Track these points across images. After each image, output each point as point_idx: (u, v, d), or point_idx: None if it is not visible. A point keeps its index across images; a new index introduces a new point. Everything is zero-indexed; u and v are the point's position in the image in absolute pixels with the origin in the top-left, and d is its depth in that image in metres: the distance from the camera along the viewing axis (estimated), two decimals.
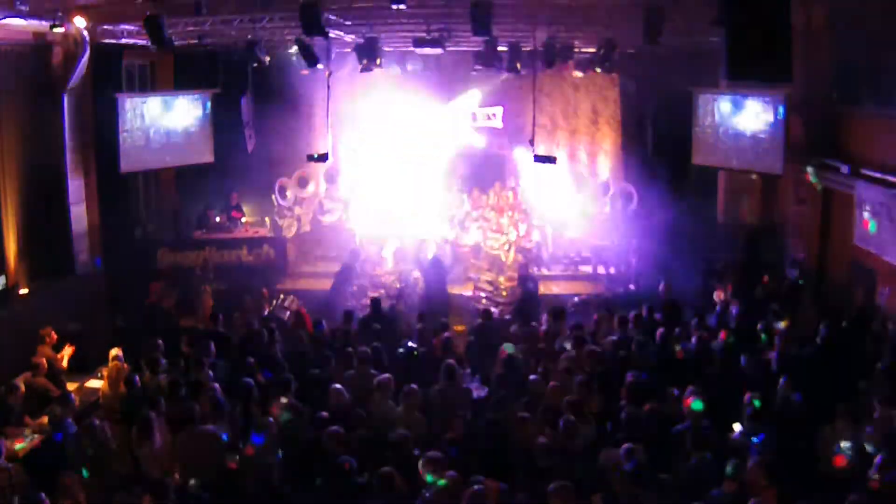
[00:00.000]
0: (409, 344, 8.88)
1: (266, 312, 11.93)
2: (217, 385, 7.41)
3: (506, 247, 14.40)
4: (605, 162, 15.81)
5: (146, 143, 12.79)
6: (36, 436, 7.52)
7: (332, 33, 10.85)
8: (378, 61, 11.89)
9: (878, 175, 9.34)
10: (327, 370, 8.04)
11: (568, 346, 8.64)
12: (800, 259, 11.68)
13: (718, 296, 11.05)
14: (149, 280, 11.68)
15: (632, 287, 13.57)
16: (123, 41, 11.55)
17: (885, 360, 7.59)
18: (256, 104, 14.26)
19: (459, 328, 11.80)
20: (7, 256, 10.05)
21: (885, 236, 9.14)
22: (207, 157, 13.92)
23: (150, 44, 9.80)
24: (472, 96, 15.86)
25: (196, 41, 11.81)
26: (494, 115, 16.05)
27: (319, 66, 11.77)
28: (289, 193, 14.82)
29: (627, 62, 14.24)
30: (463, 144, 16.30)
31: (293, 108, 15.32)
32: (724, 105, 12.79)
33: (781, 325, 9.13)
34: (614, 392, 7.31)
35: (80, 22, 10.03)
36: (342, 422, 6.63)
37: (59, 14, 9.58)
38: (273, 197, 14.71)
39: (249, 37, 11.36)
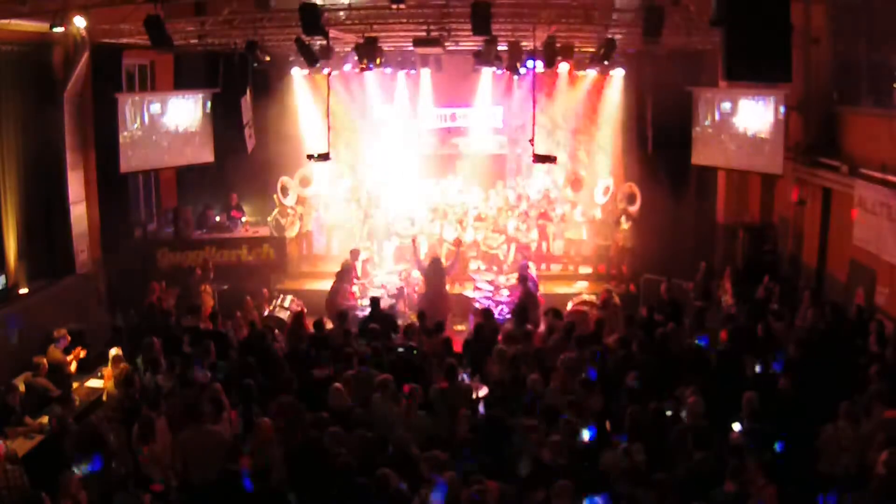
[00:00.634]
0: (410, 343, 8.88)
1: (266, 312, 11.96)
2: (217, 385, 7.40)
3: (505, 247, 14.41)
4: (605, 162, 15.81)
5: (146, 143, 12.80)
6: (36, 436, 7.53)
7: (332, 33, 10.85)
8: (378, 61, 11.90)
9: (877, 175, 9.34)
10: (327, 370, 8.04)
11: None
12: (799, 259, 11.69)
13: (718, 296, 11.06)
14: (149, 280, 11.68)
15: (632, 287, 13.58)
16: (123, 41, 11.55)
17: (885, 359, 7.60)
18: (256, 104, 14.26)
19: (459, 328, 11.82)
20: (7, 256, 10.05)
21: (885, 236, 9.14)
22: (207, 157, 13.92)
23: (150, 44, 9.80)
24: (473, 97, 15.86)
25: (196, 41, 11.81)
26: (494, 115, 16.05)
27: (319, 66, 11.78)
28: (290, 193, 14.82)
29: (627, 62, 14.26)
30: (463, 144, 16.30)
31: (293, 109, 15.33)
32: (724, 105, 12.79)
33: (781, 325, 9.14)
34: (614, 392, 7.31)
35: (80, 22, 10.02)
36: (342, 422, 6.63)
37: (59, 14, 9.57)
38: (275, 197, 14.71)
39: (249, 37, 11.36)
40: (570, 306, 12.22)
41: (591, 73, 14.77)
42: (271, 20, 10.89)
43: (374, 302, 10.50)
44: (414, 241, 13.02)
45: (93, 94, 11.67)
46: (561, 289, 13.94)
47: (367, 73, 13.95)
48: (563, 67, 13.99)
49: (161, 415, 6.92)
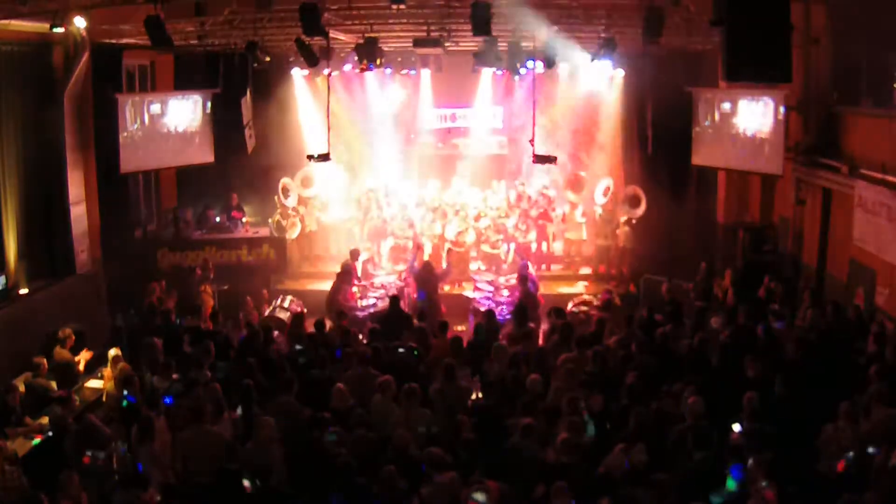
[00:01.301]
0: (410, 344, 8.88)
1: (266, 313, 11.96)
2: (217, 385, 7.40)
3: (505, 247, 14.40)
4: (605, 162, 15.80)
5: (146, 144, 12.80)
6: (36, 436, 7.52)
7: (332, 33, 10.86)
8: (378, 61, 11.90)
9: (877, 175, 9.34)
10: (327, 370, 8.04)
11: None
12: (799, 259, 11.68)
13: (718, 296, 11.05)
14: (149, 280, 11.68)
15: (632, 288, 13.57)
16: (123, 41, 11.55)
17: (885, 359, 7.59)
18: (256, 104, 14.25)
19: (459, 328, 11.81)
20: (7, 256, 10.05)
21: (885, 236, 9.14)
22: (207, 157, 13.92)
23: (150, 44, 9.80)
24: (473, 97, 15.87)
25: (196, 41, 11.81)
26: (494, 115, 16.05)
27: (319, 66, 11.77)
28: (290, 194, 14.82)
29: (627, 62, 14.25)
30: (463, 144, 16.30)
31: (293, 109, 15.34)
32: (724, 105, 12.79)
33: (782, 325, 9.13)
34: (615, 392, 7.31)
35: (80, 22, 10.03)
36: (343, 422, 6.63)
37: (59, 14, 9.57)
38: (276, 198, 14.71)
39: (249, 37, 11.36)
40: (570, 307, 12.22)
41: (591, 74, 14.76)
42: (271, 20, 10.89)
43: (394, 300, 10.47)
44: (416, 243, 13.02)
45: (93, 94, 11.67)
46: (561, 289, 13.94)
47: (367, 74, 13.96)
48: (564, 68, 14.00)
49: (161, 415, 6.92)
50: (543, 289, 12.78)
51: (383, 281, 13.23)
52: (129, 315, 11.30)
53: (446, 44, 11.56)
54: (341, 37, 11.80)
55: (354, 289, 12.47)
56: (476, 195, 15.40)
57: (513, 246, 14.32)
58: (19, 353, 8.98)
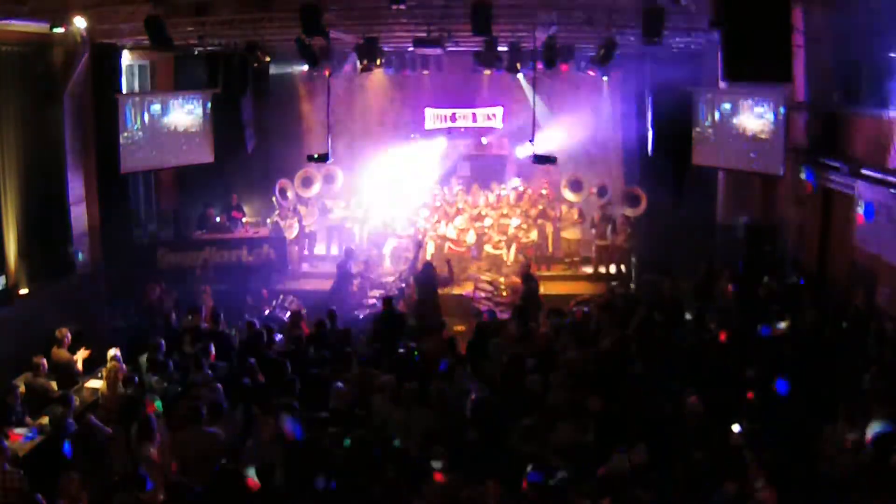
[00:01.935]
0: (410, 344, 8.88)
1: (266, 312, 11.95)
2: (218, 385, 7.40)
3: (505, 247, 14.40)
4: (605, 162, 15.80)
5: (146, 144, 12.80)
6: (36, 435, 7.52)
7: (333, 33, 10.86)
8: (378, 61, 11.90)
9: (878, 175, 9.33)
10: (327, 370, 8.04)
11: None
12: (799, 259, 11.67)
13: (718, 296, 11.04)
14: (149, 280, 11.68)
15: (632, 287, 13.57)
16: (123, 41, 11.55)
17: (885, 360, 7.59)
18: (256, 104, 14.25)
19: (459, 328, 11.80)
20: (7, 256, 10.06)
21: (885, 236, 9.13)
22: (207, 157, 13.92)
23: (150, 44, 9.80)
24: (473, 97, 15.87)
25: (196, 41, 11.81)
26: (494, 115, 16.05)
27: (319, 66, 11.78)
28: (289, 194, 14.82)
29: (627, 62, 14.25)
30: (463, 144, 16.30)
31: (293, 109, 15.33)
32: (724, 105, 12.78)
33: (782, 325, 9.13)
34: (615, 392, 7.30)
35: (80, 22, 10.03)
36: (343, 422, 6.63)
37: (59, 14, 9.58)
38: (273, 199, 14.71)
39: (249, 37, 11.35)
40: (570, 306, 12.20)
41: (592, 74, 14.76)
42: (271, 20, 10.89)
43: (387, 301, 10.47)
44: (418, 243, 13.00)
45: (93, 95, 11.68)
46: (561, 289, 13.94)
47: (367, 74, 13.96)
48: (564, 68, 13.99)
49: (160, 415, 6.91)
50: (543, 289, 12.77)
51: (384, 281, 13.23)
52: (129, 315, 11.30)
53: (446, 44, 11.56)
54: (341, 37, 11.80)
55: (354, 288, 12.48)
56: (476, 195, 15.39)
57: (514, 246, 14.32)
58: (19, 353, 8.98)
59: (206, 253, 13.35)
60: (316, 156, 12.19)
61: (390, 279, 13.27)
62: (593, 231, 14.65)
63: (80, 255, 11.45)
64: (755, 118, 12.16)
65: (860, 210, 9.73)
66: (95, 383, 8.98)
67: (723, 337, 8.68)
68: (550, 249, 15.01)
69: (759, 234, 12.78)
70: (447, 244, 14.20)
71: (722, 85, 12.63)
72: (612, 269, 14.38)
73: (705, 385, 7.09)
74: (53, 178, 11.12)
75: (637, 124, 14.75)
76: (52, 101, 10.91)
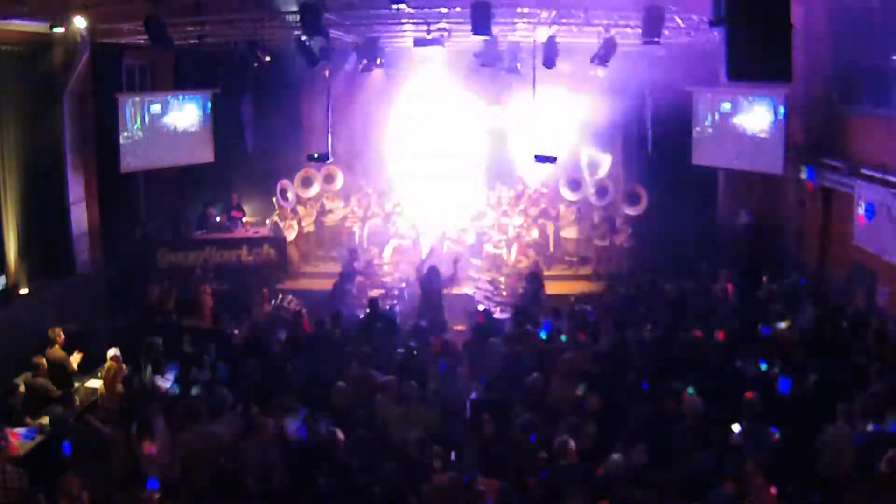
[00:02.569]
0: (410, 344, 8.88)
1: (266, 312, 11.94)
2: (218, 385, 7.41)
3: (505, 247, 14.39)
4: (605, 162, 15.79)
5: (146, 143, 12.80)
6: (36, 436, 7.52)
7: (333, 33, 10.86)
8: (378, 61, 11.90)
9: (877, 175, 9.34)
10: (327, 370, 8.04)
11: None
12: (800, 259, 11.68)
13: (719, 296, 11.03)
14: (149, 280, 11.68)
15: (632, 287, 13.55)
16: (123, 41, 11.55)
17: (885, 359, 7.59)
18: (256, 104, 14.24)
19: (460, 328, 11.80)
20: (7, 256, 10.05)
21: (885, 236, 9.14)
22: (207, 157, 13.92)
23: (150, 44, 9.81)
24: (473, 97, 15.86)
25: (196, 41, 11.82)
26: (494, 114, 16.03)
27: (319, 66, 11.78)
28: (290, 195, 14.82)
29: (627, 62, 14.24)
30: (463, 144, 16.29)
31: (293, 109, 15.32)
32: (724, 105, 12.79)
33: (782, 325, 9.13)
34: (615, 392, 7.31)
35: (80, 22, 10.03)
36: (343, 422, 6.63)
37: (59, 14, 9.58)
38: (274, 199, 14.71)
39: (249, 37, 11.35)
40: (570, 306, 12.20)
41: (592, 73, 14.73)
42: (271, 20, 10.89)
43: (373, 302, 10.48)
44: (418, 244, 12.99)
45: (93, 94, 11.68)
46: (561, 289, 13.92)
47: (367, 73, 13.96)
48: (564, 67, 13.98)
49: (160, 415, 6.91)
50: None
51: (384, 280, 13.23)
52: (129, 315, 11.29)
53: (446, 44, 11.56)
54: (342, 37, 11.82)
55: (354, 289, 12.47)
56: (476, 195, 15.38)
57: (514, 246, 14.31)
58: (19, 353, 8.97)
59: (206, 253, 13.35)
60: (316, 156, 12.18)
61: (391, 279, 13.27)
62: (594, 231, 14.64)
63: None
64: (755, 118, 12.17)
65: (860, 210, 9.75)
66: (95, 383, 8.98)
67: (721, 336, 8.68)
68: (551, 249, 15.00)
69: (759, 233, 12.80)
70: (447, 243, 14.18)
71: (722, 85, 12.64)
72: (612, 269, 14.36)
73: (705, 385, 7.09)
74: (53, 178, 11.11)
75: (637, 124, 14.73)
76: (52, 101, 10.91)
